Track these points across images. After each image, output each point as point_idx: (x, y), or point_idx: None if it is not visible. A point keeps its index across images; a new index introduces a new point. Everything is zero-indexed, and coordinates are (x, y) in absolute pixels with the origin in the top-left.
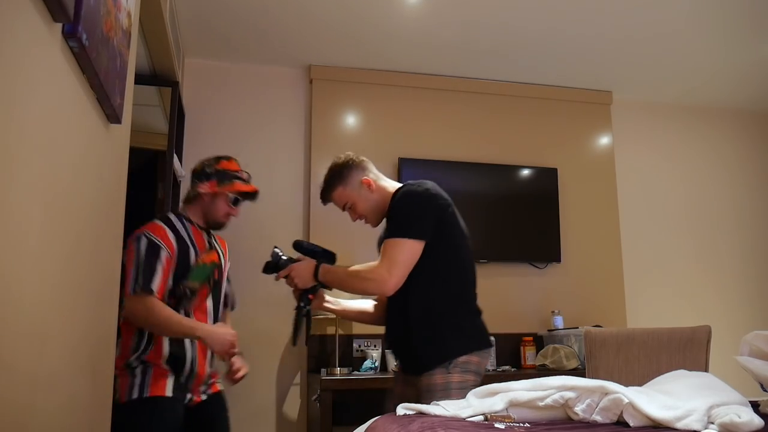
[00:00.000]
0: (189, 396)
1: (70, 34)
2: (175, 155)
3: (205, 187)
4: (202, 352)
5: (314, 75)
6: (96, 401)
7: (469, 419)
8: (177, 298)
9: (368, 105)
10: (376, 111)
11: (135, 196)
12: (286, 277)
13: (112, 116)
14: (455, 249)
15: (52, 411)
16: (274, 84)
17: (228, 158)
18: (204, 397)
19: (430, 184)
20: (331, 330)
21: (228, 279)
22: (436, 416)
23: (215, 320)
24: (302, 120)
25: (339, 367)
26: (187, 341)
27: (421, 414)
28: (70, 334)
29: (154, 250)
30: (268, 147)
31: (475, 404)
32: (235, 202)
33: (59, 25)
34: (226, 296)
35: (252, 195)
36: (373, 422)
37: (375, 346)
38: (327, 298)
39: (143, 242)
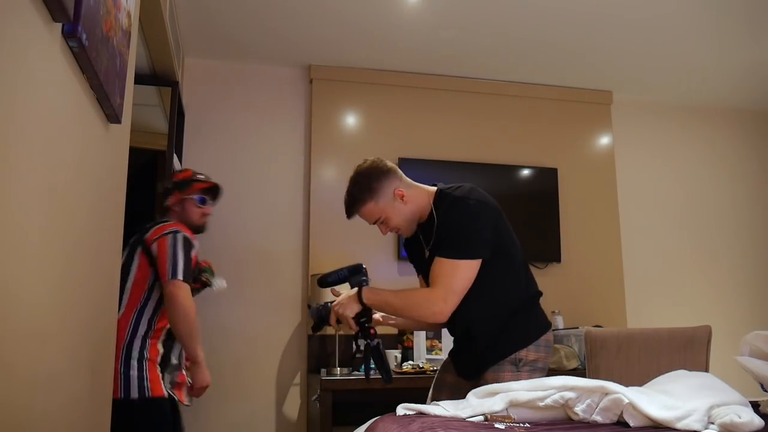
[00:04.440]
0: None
1: (69, 34)
2: (175, 155)
3: (171, 200)
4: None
5: (314, 75)
6: (96, 401)
7: (469, 419)
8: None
9: (368, 105)
10: (376, 111)
11: (135, 196)
12: (337, 320)
13: (112, 116)
14: (508, 252)
15: (52, 411)
16: (274, 84)
17: (180, 170)
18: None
19: (476, 191)
20: (331, 330)
21: None
22: (436, 416)
23: None
24: (302, 120)
25: (339, 367)
26: (170, 342)
27: (421, 414)
28: (70, 334)
29: (189, 245)
30: (268, 147)
31: (475, 404)
32: (202, 201)
33: (59, 25)
34: None
35: (213, 189)
36: (373, 422)
37: None
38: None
39: (180, 236)
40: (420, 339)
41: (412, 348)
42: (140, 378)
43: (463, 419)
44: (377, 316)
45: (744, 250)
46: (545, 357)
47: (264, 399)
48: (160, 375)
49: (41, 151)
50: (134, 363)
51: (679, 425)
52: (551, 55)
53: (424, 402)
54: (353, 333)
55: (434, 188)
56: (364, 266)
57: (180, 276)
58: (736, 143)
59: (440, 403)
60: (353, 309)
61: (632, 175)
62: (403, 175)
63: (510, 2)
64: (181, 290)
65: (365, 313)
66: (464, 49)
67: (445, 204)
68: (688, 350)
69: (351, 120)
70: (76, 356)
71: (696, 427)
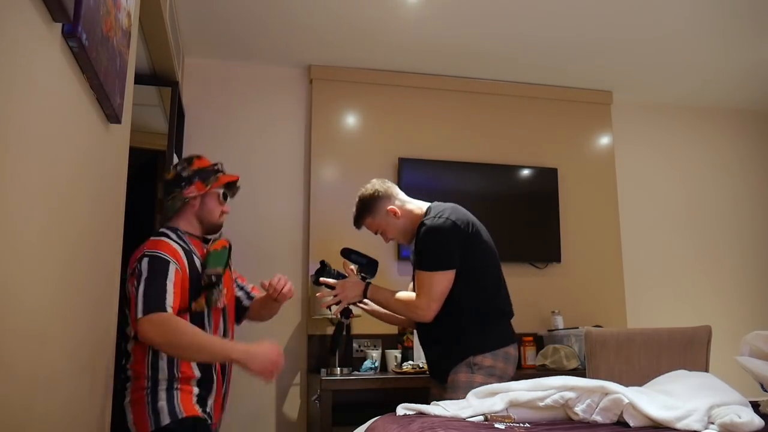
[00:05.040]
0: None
1: (69, 34)
2: (175, 155)
3: (192, 191)
4: (221, 374)
5: (314, 75)
6: (96, 401)
7: (469, 419)
8: (194, 317)
9: (368, 105)
10: (376, 111)
11: (135, 196)
12: (330, 287)
13: (112, 116)
14: (476, 269)
15: (52, 411)
16: (274, 84)
17: (198, 156)
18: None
19: (449, 211)
20: (331, 330)
21: (239, 286)
22: (436, 416)
23: (225, 333)
24: (302, 120)
25: (339, 367)
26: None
27: (421, 414)
28: (70, 335)
29: (160, 267)
30: (268, 147)
31: (475, 404)
32: (224, 197)
33: (59, 25)
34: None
35: (235, 184)
36: (373, 422)
37: (375, 346)
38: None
39: (145, 262)
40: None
41: (412, 348)
42: (170, 402)
43: (463, 419)
44: (362, 305)
45: (745, 251)
46: (504, 367)
47: (264, 399)
48: (195, 397)
49: (41, 151)
50: (162, 394)
51: (679, 425)
52: (551, 54)
53: (424, 402)
54: (329, 310)
55: (427, 205)
56: (378, 266)
57: (140, 314)
58: (737, 143)
59: (440, 403)
60: (355, 297)
61: (632, 175)
62: (400, 194)
63: (510, 2)
64: (154, 326)
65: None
66: (464, 49)
67: (422, 226)
68: (688, 350)
69: (351, 120)
70: (76, 356)
71: (696, 427)
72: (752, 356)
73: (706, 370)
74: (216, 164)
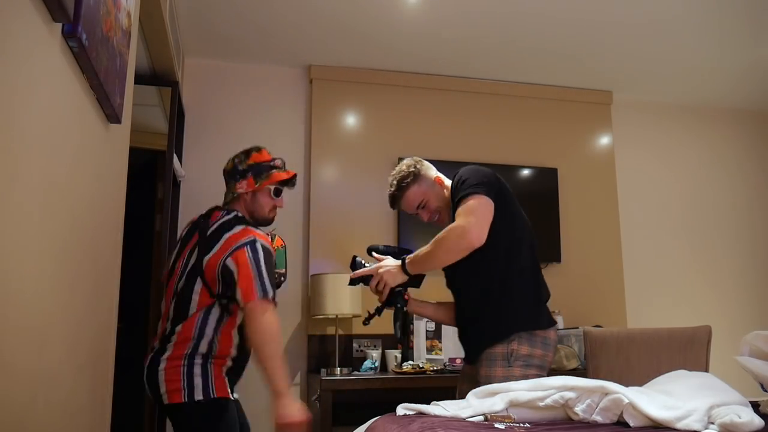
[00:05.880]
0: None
1: (69, 34)
2: (174, 155)
3: (243, 186)
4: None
5: (314, 75)
6: (96, 399)
7: (469, 419)
8: None
9: (368, 105)
10: (376, 111)
11: (135, 196)
12: (367, 278)
13: (112, 116)
14: (513, 228)
15: (52, 409)
16: (274, 84)
17: (258, 149)
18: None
19: None
20: (331, 330)
21: None
22: (436, 416)
23: None
24: (302, 120)
25: (339, 367)
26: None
27: (421, 414)
28: (71, 333)
29: (270, 257)
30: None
31: (475, 404)
32: (277, 192)
33: (59, 25)
34: None
35: (292, 181)
36: (373, 422)
37: (375, 346)
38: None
39: (260, 247)
40: (420, 339)
41: (412, 348)
42: (204, 380)
43: (463, 419)
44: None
45: (744, 250)
46: (542, 354)
47: (264, 399)
48: (227, 382)
49: (41, 151)
50: (197, 370)
51: (679, 425)
52: (551, 55)
53: (424, 402)
54: (380, 303)
55: None
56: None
57: (259, 294)
58: (735, 143)
59: (440, 403)
60: (398, 280)
61: (632, 175)
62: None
63: (510, 2)
64: (273, 314)
65: (404, 286)
66: (464, 49)
67: (459, 171)
68: (688, 350)
69: (351, 120)
70: (76, 355)
71: (696, 427)
72: (752, 356)
73: (706, 370)
74: (274, 159)
